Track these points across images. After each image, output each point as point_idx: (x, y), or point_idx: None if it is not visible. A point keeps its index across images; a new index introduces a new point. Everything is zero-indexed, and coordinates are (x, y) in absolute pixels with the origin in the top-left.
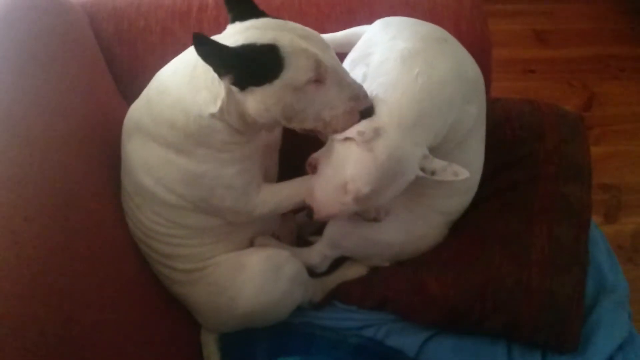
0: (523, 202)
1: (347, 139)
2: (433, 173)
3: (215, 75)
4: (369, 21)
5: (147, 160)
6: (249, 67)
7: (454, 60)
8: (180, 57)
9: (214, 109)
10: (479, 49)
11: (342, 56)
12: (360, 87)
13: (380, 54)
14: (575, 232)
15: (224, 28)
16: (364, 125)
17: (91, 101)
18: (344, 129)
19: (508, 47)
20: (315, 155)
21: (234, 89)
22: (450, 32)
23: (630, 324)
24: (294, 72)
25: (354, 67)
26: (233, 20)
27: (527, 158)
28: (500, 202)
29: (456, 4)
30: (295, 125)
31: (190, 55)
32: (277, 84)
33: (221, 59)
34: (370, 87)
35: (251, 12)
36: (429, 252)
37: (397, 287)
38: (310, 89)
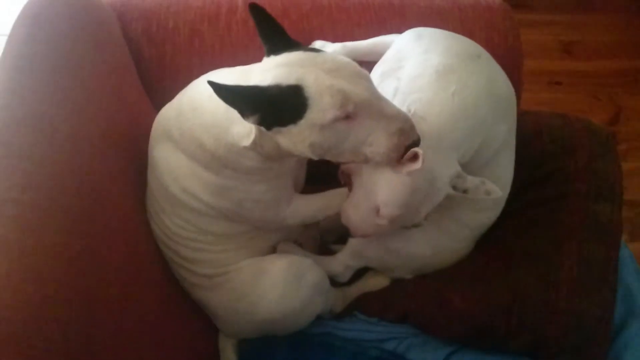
0: (552, 219)
1: None
2: (465, 191)
3: None
4: (399, 30)
5: (174, 168)
6: (272, 110)
7: (488, 79)
8: (219, 76)
9: (247, 142)
10: (511, 61)
11: (368, 65)
12: (406, 118)
13: (413, 68)
14: (605, 252)
15: (252, 31)
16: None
17: (119, 103)
18: (388, 164)
19: (534, 58)
20: (346, 167)
21: (262, 128)
22: (481, 44)
23: None
24: (318, 111)
25: (383, 80)
26: (268, 54)
27: (556, 174)
28: (528, 219)
29: (488, 15)
30: (331, 159)
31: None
32: (302, 124)
33: (244, 103)
34: (405, 101)
35: (285, 45)
36: (454, 267)
37: (420, 300)
38: (341, 126)
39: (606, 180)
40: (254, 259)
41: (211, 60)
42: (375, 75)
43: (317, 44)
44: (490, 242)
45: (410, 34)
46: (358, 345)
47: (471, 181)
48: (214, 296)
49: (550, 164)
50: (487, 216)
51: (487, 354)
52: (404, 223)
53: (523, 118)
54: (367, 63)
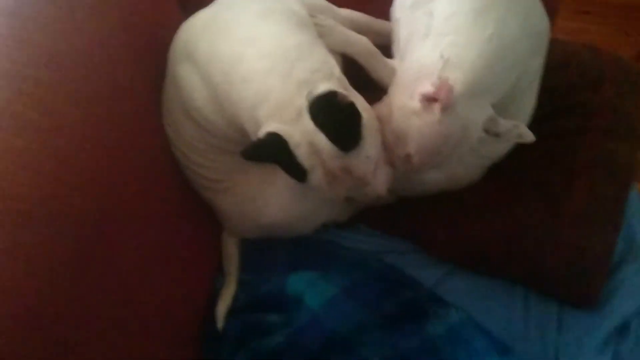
0: (567, 152)
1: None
2: (497, 135)
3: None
4: None
5: (193, 90)
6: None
7: (526, 13)
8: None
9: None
10: None
11: None
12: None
13: (448, 4)
14: (616, 191)
15: None
16: (435, 89)
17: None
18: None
19: None
20: (377, 112)
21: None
22: None
23: None
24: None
25: (414, 10)
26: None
27: (578, 107)
28: (543, 150)
29: None
30: None
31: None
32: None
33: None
34: (439, 45)
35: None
36: (462, 191)
37: (424, 220)
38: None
39: (627, 119)
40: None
41: None
42: (407, 3)
43: None
44: (502, 170)
45: None
46: (358, 255)
47: (504, 125)
48: (221, 199)
49: (573, 96)
50: (505, 147)
51: (480, 278)
52: (434, 166)
53: (552, 46)
54: None
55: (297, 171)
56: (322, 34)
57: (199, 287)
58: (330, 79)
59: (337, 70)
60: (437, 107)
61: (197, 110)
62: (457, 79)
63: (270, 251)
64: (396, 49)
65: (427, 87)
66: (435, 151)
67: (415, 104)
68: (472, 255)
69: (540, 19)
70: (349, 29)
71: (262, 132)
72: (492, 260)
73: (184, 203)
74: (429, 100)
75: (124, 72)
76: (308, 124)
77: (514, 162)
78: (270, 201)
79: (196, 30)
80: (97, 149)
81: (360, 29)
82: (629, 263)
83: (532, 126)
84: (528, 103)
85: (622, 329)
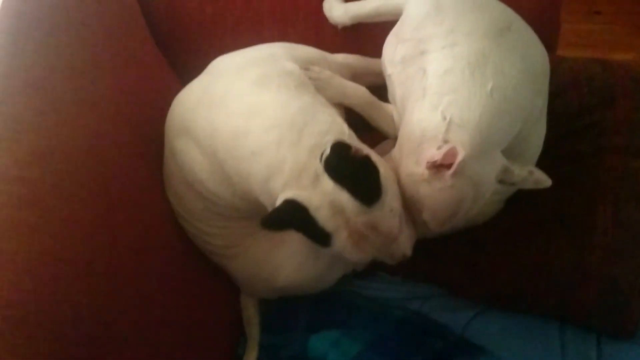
0: (587, 177)
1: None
2: (513, 184)
3: None
4: None
5: (193, 164)
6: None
7: (523, 57)
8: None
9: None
10: None
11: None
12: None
13: (441, 60)
14: None
15: None
16: (441, 156)
17: (127, 61)
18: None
19: None
20: None
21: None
22: None
23: None
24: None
25: (405, 67)
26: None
27: (593, 127)
28: (561, 176)
29: None
30: None
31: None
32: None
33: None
34: (438, 105)
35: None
36: (482, 227)
37: (445, 261)
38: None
39: None
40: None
41: (225, 8)
42: (396, 59)
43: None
44: (520, 200)
45: (424, 2)
46: (381, 305)
47: (519, 174)
48: (232, 265)
49: (587, 116)
50: None
51: (512, 316)
52: (452, 225)
53: (559, 66)
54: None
55: (320, 236)
56: (318, 87)
57: (221, 354)
58: (341, 138)
59: (345, 127)
60: (446, 173)
61: (200, 183)
62: (463, 140)
63: (290, 309)
64: (392, 103)
65: (433, 153)
66: (450, 215)
67: (423, 170)
68: (498, 293)
69: (539, 58)
70: (347, 74)
71: (279, 200)
72: (521, 297)
73: (199, 271)
74: (437, 166)
75: (118, 152)
76: (326, 184)
77: (530, 191)
78: (284, 263)
79: (191, 104)
80: (97, 240)
81: (358, 73)
82: None
83: (545, 151)
84: (537, 138)
85: None
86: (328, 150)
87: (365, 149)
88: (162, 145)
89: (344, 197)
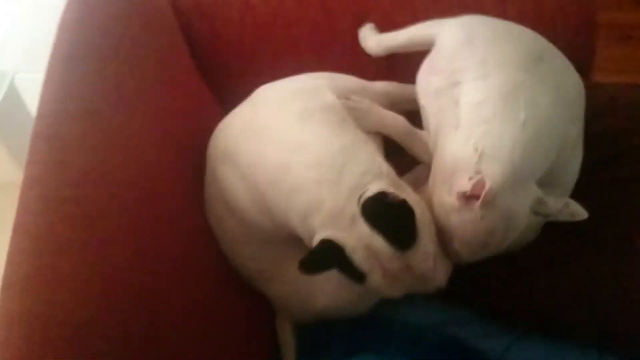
0: (626, 203)
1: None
2: (547, 216)
3: None
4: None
5: (234, 191)
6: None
7: (556, 86)
8: (325, 152)
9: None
10: (582, 20)
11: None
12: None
13: (474, 92)
14: None
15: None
16: (471, 187)
17: (173, 89)
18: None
19: (602, 10)
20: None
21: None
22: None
23: None
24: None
25: (438, 97)
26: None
27: (632, 152)
28: (599, 202)
29: None
30: None
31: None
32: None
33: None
34: (471, 136)
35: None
36: (521, 252)
37: (482, 286)
38: None
39: None
40: None
41: (264, 37)
42: (429, 90)
43: (366, 28)
44: (557, 228)
45: (457, 34)
46: (417, 330)
47: (553, 206)
48: (269, 287)
49: (625, 141)
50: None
51: (552, 342)
52: (486, 255)
53: (596, 91)
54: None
55: (355, 275)
56: (358, 117)
57: None
58: (380, 178)
59: (385, 166)
60: (476, 204)
61: (240, 211)
62: (494, 172)
63: (325, 334)
64: (427, 132)
65: (464, 184)
66: (480, 246)
67: (454, 200)
68: (537, 320)
69: (573, 86)
70: (385, 102)
71: (316, 240)
72: (560, 324)
73: (236, 294)
74: (467, 197)
75: (163, 175)
76: (363, 228)
77: None
78: (320, 287)
79: (234, 132)
80: (142, 260)
81: (396, 100)
82: None
83: (583, 178)
84: (573, 166)
85: None
86: (366, 195)
87: (403, 189)
88: (204, 169)
89: (379, 242)
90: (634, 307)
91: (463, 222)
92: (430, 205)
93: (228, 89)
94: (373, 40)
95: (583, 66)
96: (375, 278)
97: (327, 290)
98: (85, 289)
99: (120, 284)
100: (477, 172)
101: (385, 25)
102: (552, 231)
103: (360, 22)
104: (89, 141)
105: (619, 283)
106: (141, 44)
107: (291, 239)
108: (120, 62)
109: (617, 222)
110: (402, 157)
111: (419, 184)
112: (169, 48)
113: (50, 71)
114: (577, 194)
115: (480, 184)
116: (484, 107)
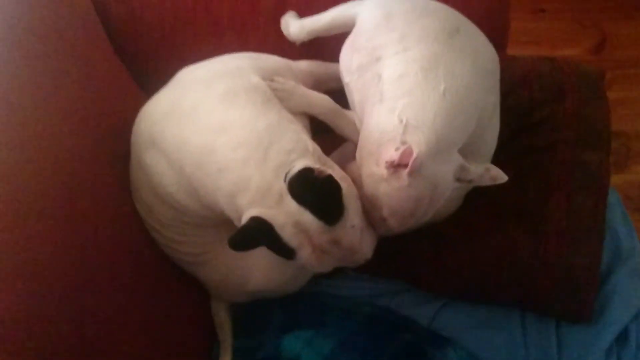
0: (540, 169)
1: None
2: (470, 182)
3: None
4: None
5: (161, 176)
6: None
7: (473, 57)
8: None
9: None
10: None
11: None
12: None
13: (395, 66)
14: (594, 201)
15: None
16: (398, 156)
17: (89, 76)
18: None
19: None
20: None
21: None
22: None
23: None
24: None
25: (361, 74)
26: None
27: (545, 122)
28: (515, 170)
29: None
30: None
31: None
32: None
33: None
34: (395, 109)
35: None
36: (443, 223)
37: (411, 257)
38: None
39: (594, 127)
40: None
41: (185, 17)
42: (352, 67)
43: (287, 16)
44: (478, 195)
45: (376, 11)
46: (350, 303)
47: (475, 172)
48: (202, 270)
49: (538, 112)
50: None
51: (477, 306)
52: (414, 224)
53: (510, 64)
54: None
55: (285, 251)
56: (282, 98)
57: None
58: (306, 155)
59: (310, 144)
60: (403, 172)
61: (169, 195)
62: (419, 141)
63: (261, 312)
64: (352, 110)
65: (391, 154)
66: (409, 213)
67: (382, 170)
68: (462, 286)
69: (489, 58)
70: (310, 81)
71: (245, 218)
72: (484, 289)
73: (170, 279)
74: (395, 166)
75: (84, 164)
76: (291, 205)
77: (488, 186)
78: (254, 268)
79: (158, 117)
80: (68, 255)
81: (320, 79)
82: (618, 269)
83: (500, 147)
84: (491, 135)
85: (622, 338)
86: (292, 172)
87: (329, 166)
88: (128, 156)
89: (307, 217)
90: (550, 266)
91: (392, 190)
92: (357, 181)
93: (149, 72)
94: (295, 25)
95: (498, 40)
96: (304, 253)
97: (260, 271)
98: (8, 288)
99: (45, 281)
100: (403, 142)
101: (306, 10)
102: (474, 200)
103: (281, 1)
104: (3, 138)
105: (534, 244)
106: (53, 29)
107: (222, 222)
108: (31, 50)
109: (533, 187)
110: (329, 136)
111: (346, 161)
112: (83, 32)
113: None
114: (496, 162)
115: (407, 153)
116: (405, 80)
